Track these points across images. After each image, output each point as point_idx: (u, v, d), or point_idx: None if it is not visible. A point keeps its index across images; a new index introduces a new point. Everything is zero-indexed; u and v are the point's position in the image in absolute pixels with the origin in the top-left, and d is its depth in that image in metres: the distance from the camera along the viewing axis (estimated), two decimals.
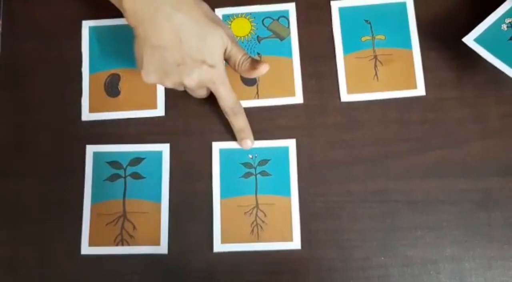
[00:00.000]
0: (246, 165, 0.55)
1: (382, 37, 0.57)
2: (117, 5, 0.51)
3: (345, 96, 0.56)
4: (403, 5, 0.58)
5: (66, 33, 0.59)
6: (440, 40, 0.57)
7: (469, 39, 0.52)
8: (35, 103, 0.57)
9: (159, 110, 0.57)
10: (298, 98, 0.56)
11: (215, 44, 0.49)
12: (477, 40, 0.51)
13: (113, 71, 0.58)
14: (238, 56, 0.51)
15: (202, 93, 0.54)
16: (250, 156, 0.55)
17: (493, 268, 0.52)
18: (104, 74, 0.58)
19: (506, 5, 0.52)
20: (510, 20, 0.51)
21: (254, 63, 0.51)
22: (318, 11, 0.59)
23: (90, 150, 0.56)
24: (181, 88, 0.53)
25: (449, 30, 0.57)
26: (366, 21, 0.58)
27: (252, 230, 0.54)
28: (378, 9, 0.58)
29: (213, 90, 0.52)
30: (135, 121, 0.57)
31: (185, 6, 0.48)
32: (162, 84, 0.51)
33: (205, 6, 0.51)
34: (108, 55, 0.58)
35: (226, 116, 0.54)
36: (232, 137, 0.56)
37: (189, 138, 0.56)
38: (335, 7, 0.58)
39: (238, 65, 0.52)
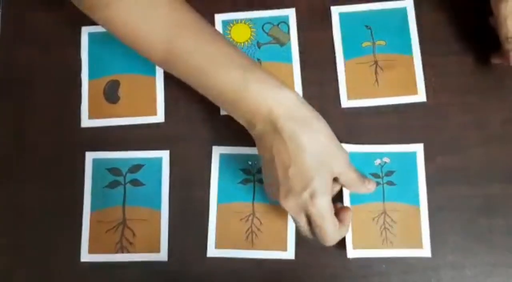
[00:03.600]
0: (245, 171, 0.55)
1: (383, 42, 0.57)
2: (243, 123, 0.48)
3: (346, 102, 0.56)
4: (404, 10, 0.57)
5: (66, 39, 0.58)
6: (441, 46, 0.57)
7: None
8: (34, 110, 0.57)
9: (159, 117, 0.56)
10: None
11: (335, 168, 0.46)
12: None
13: (112, 77, 0.58)
14: (353, 181, 0.48)
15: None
16: (250, 162, 0.55)
17: (495, 275, 0.52)
18: (103, 81, 0.57)
19: None
20: None
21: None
22: (318, 16, 0.58)
23: (90, 156, 0.56)
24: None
25: (450, 36, 0.57)
26: (367, 26, 0.57)
27: (247, 237, 0.54)
28: (379, 14, 0.58)
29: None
30: (134, 127, 0.56)
31: (311, 127, 0.45)
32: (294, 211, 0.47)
33: (327, 130, 0.47)
34: (108, 61, 0.58)
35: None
36: (232, 143, 0.55)
37: (189, 145, 0.56)
38: (335, 12, 0.58)
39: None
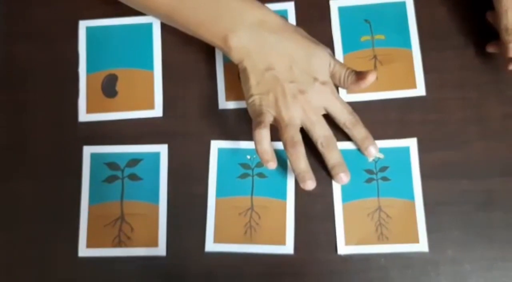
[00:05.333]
0: (244, 165, 0.55)
1: (382, 36, 0.57)
2: (218, 45, 0.52)
3: (345, 96, 0.56)
4: (403, 4, 0.57)
5: (63, 34, 0.58)
6: (441, 40, 0.57)
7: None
8: (32, 104, 0.57)
9: (157, 111, 0.56)
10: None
11: (322, 62, 0.52)
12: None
13: (110, 71, 0.57)
14: (342, 71, 0.52)
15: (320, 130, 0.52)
16: (248, 157, 0.55)
17: (494, 269, 0.52)
18: (101, 75, 0.57)
19: None
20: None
21: (360, 74, 0.51)
22: (317, 10, 0.58)
23: (88, 151, 0.55)
24: (296, 122, 0.51)
25: (449, 30, 0.57)
26: (366, 20, 0.57)
27: (246, 232, 0.53)
28: (378, 8, 0.57)
29: (328, 108, 0.52)
30: (132, 122, 0.56)
31: (286, 33, 0.51)
32: (283, 113, 0.51)
33: (302, 30, 0.53)
34: (106, 56, 0.57)
35: (321, 150, 0.52)
36: (231, 137, 0.55)
37: (187, 139, 0.56)
38: (334, 6, 0.58)
39: (344, 80, 0.52)
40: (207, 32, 0.52)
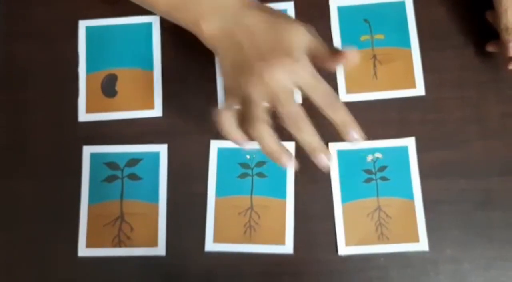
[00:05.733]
0: (243, 165, 0.55)
1: (381, 36, 0.57)
2: (191, 28, 0.51)
3: (344, 95, 0.56)
4: (402, 4, 0.57)
5: (63, 33, 0.58)
6: (440, 40, 0.57)
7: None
8: (31, 104, 0.57)
9: (157, 111, 0.56)
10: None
11: (293, 38, 0.48)
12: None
13: (110, 71, 0.57)
14: (318, 47, 0.48)
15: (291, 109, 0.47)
16: (248, 156, 0.55)
17: (493, 268, 0.52)
18: (101, 75, 0.57)
19: None
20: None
21: (338, 51, 0.47)
22: (317, 10, 0.58)
23: (87, 150, 0.56)
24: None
25: (449, 30, 0.57)
26: (365, 20, 0.57)
27: (245, 231, 0.53)
28: (377, 8, 0.57)
29: (302, 86, 0.47)
30: (132, 122, 0.56)
31: (257, 11, 0.49)
32: (248, 91, 0.47)
33: (277, 11, 0.50)
34: (105, 55, 0.58)
35: (327, 114, 0.47)
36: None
37: (186, 139, 0.56)
38: (333, 6, 0.58)
39: (320, 56, 0.48)
40: (181, 18, 0.51)
